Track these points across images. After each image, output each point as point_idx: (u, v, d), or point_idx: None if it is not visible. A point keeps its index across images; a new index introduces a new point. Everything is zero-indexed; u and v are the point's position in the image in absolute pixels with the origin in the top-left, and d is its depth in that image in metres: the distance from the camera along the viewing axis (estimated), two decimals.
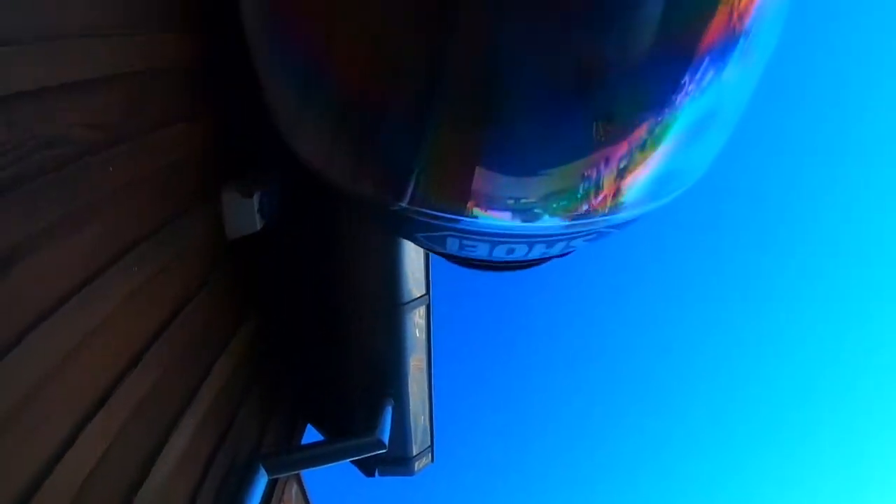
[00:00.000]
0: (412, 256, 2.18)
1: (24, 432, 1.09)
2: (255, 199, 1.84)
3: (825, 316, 9.57)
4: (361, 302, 2.24)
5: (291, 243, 2.37)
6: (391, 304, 2.23)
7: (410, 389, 2.48)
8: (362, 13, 0.89)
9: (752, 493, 10.76)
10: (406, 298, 2.24)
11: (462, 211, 0.98)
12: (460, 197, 0.96)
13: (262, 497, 2.07)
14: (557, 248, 1.14)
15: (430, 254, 2.25)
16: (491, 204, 0.97)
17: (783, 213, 8.86)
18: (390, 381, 2.43)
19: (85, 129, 1.21)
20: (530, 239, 1.07)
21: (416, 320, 2.35)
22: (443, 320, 2.54)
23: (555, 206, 0.97)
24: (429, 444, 2.80)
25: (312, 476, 2.77)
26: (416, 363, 2.45)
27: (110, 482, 1.35)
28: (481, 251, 1.12)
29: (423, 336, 2.44)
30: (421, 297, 2.30)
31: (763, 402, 10.28)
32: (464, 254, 1.18)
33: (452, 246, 1.13)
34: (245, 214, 1.86)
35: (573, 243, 1.12)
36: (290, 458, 2.25)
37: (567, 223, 1.01)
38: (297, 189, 2.15)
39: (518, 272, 1.49)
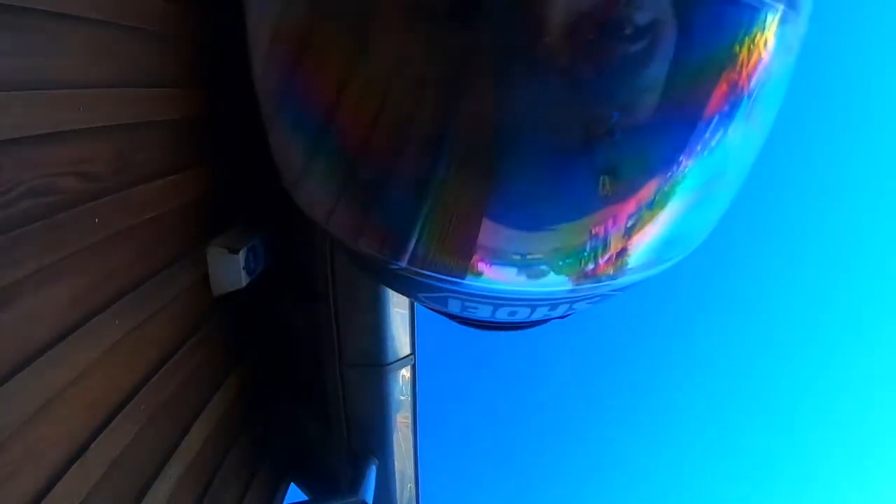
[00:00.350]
0: (398, 317, 2.19)
1: None
2: (241, 255, 1.86)
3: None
4: (346, 361, 2.23)
5: (278, 301, 2.37)
6: (376, 364, 2.22)
7: (395, 450, 2.46)
8: (370, 73, 0.92)
9: None
10: (391, 359, 2.24)
11: (462, 274, 0.98)
12: (460, 260, 0.97)
13: None
14: (560, 311, 1.14)
15: (416, 314, 2.25)
16: (494, 262, 0.97)
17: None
18: (375, 440, 2.40)
19: (73, 178, 1.25)
20: (533, 302, 1.08)
21: (402, 380, 2.34)
22: (429, 379, 2.53)
23: (560, 263, 0.97)
24: None
25: None
26: (401, 423, 2.43)
27: None
28: (483, 312, 1.12)
29: (409, 396, 2.42)
30: (406, 356, 2.30)
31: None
32: (466, 315, 1.17)
33: (454, 307, 1.13)
34: (231, 271, 1.87)
35: (576, 306, 1.13)
36: None
37: (571, 287, 1.01)
38: (284, 247, 2.17)
39: (519, 332, 1.48)
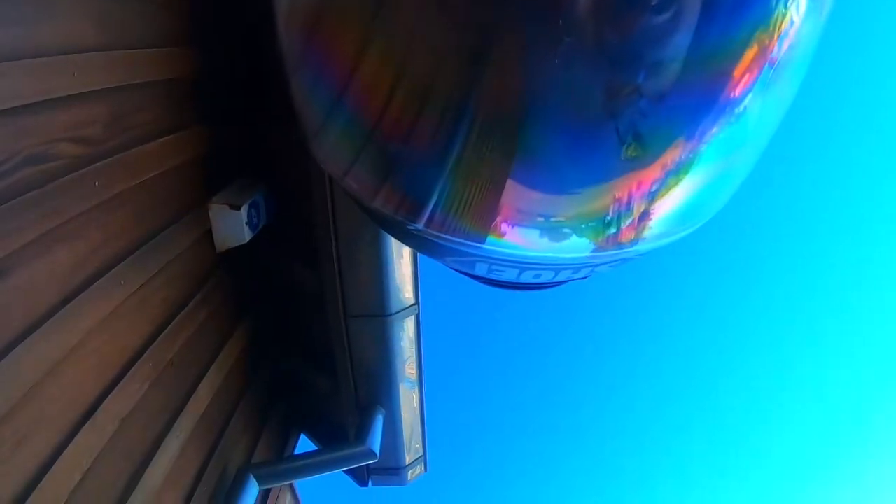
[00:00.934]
0: (401, 267, 2.19)
1: (9, 447, 1.10)
2: (244, 210, 1.86)
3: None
4: (350, 313, 2.24)
5: (280, 255, 2.38)
6: (380, 314, 2.24)
7: (402, 399, 2.49)
8: (392, 39, 0.91)
9: None
10: (395, 309, 2.25)
11: (482, 238, 0.99)
12: (481, 223, 0.97)
13: None
14: (582, 273, 1.15)
15: (419, 263, 2.26)
16: (517, 224, 0.97)
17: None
18: (381, 390, 2.43)
19: (70, 143, 1.23)
20: (556, 266, 1.09)
21: (406, 330, 2.36)
22: (434, 328, 2.55)
23: (583, 227, 0.98)
24: (421, 453, 2.80)
25: (306, 485, 2.78)
26: (406, 372, 2.46)
27: (98, 494, 1.36)
28: (509, 275, 1.13)
29: (413, 345, 2.44)
30: (410, 306, 2.31)
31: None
32: (493, 277, 1.19)
33: (481, 270, 1.14)
34: (233, 226, 1.87)
35: (598, 269, 1.13)
36: (280, 469, 2.25)
37: (592, 252, 1.01)
38: (285, 202, 2.16)
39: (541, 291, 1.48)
